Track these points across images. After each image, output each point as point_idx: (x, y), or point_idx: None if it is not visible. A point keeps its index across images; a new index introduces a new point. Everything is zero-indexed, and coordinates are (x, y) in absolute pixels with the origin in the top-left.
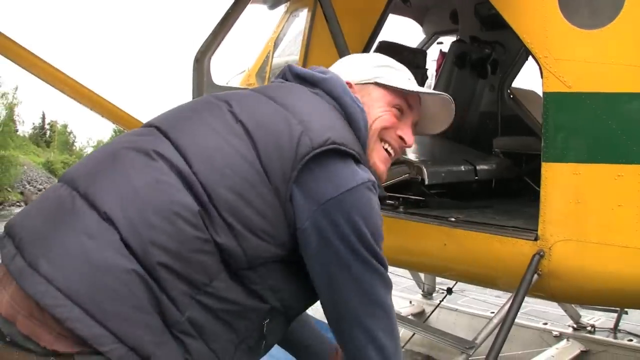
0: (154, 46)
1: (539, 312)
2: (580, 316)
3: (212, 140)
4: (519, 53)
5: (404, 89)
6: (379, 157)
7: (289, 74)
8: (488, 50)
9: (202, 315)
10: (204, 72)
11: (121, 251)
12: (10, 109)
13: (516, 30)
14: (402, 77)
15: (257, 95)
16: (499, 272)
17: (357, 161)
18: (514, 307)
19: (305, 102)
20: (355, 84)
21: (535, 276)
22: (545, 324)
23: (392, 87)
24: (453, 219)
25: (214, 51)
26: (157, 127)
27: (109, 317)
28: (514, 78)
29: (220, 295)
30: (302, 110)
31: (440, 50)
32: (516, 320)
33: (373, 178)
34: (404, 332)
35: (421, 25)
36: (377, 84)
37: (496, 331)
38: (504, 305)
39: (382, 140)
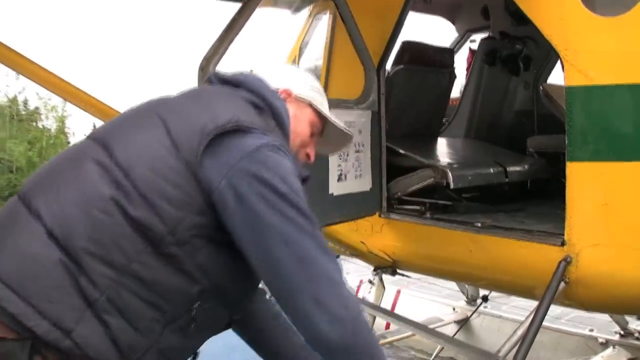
0: (155, 50)
1: (584, 318)
2: (627, 322)
3: (132, 133)
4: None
5: (328, 118)
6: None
7: (214, 79)
8: (519, 46)
9: (122, 295)
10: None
11: (45, 241)
12: (61, 121)
13: (535, 22)
14: (326, 104)
15: (179, 97)
16: (526, 280)
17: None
18: (538, 318)
19: (220, 99)
20: (295, 95)
21: (562, 284)
22: (592, 330)
23: (320, 112)
24: (479, 224)
25: (220, 58)
26: (93, 136)
27: (32, 297)
28: (549, 74)
29: (141, 276)
30: (214, 103)
31: (470, 48)
32: (561, 327)
33: (279, 142)
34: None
35: (453, 23)
36: (310, 105)
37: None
38: (529, 315)
39: (296, 150)
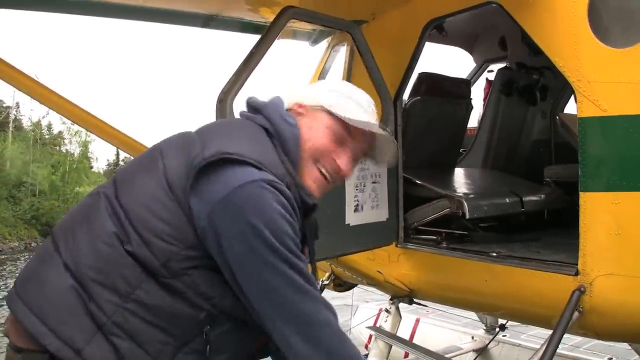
0: (180, 83)
1: (603, 346)
2: None
3: (137, 173)
4: None
5: (346, 120)
6: (310, 176)
7: (246, 105)
8: (536, 76)
9: (128, 319)
10: (227, 113)
11: (61, 271)
12: (84, 146)
13: (547, 53)
14: (355, 109)
15: (189, 135)
16: (541, 309)
17: (260, 170)
18: (551, 347)
19: (228, 129)
20: (308, 105)
21: (576, 313)
22: (610, 359)
23: (336, 115)
24: (494, 254)
25: (238, 91)
26: (114, 177)
27: (48, 318)
28: (566, 103)
29: (144, 302)
30: (213, 137)
31: (487, 78)
32: (580, 355)
33: (271, 178)
34: None
35: (471, 53)
36: (324, 109)
37: None
38: (542, 345)
39: (316, 161)
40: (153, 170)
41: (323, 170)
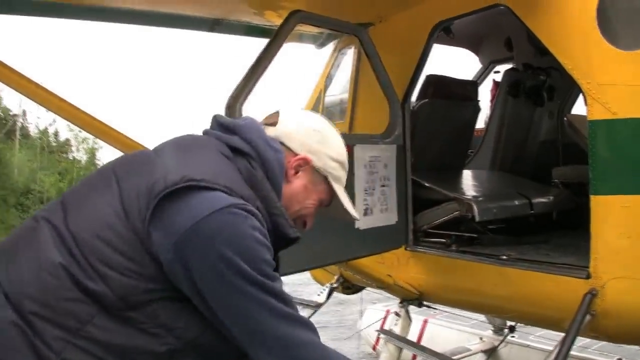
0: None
1: (612, 347)
2: None
3: (88, 196)
4: None
5: (340, 199)
6: None
7: (215, 123)
8: (543, 77)
9: (81, 357)
10: (237, 118)
11: (2, 303)
12: (92, 153)
13: (556, 55)
14: (343, 178)
15: (145, 154)
16: (552, 312)
17: (229, 194)
18: (564, 351)
19: (192, 151)
20: (315, 167)
21: (588, 316)
22: (621, 358)
23: (335, 193)
24: (504, 257)
25: (247, 96)
26: (62, 199)
27: None
28: (574, 103)
29: (97, 339)
30: (175, 159)
31: (494, 80)
32: (589, 356)
33: (242, 201)
34: None
35: (477, 55)
36: (326, 179)
37: None
38: (554, 349)
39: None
40: (107, 194)
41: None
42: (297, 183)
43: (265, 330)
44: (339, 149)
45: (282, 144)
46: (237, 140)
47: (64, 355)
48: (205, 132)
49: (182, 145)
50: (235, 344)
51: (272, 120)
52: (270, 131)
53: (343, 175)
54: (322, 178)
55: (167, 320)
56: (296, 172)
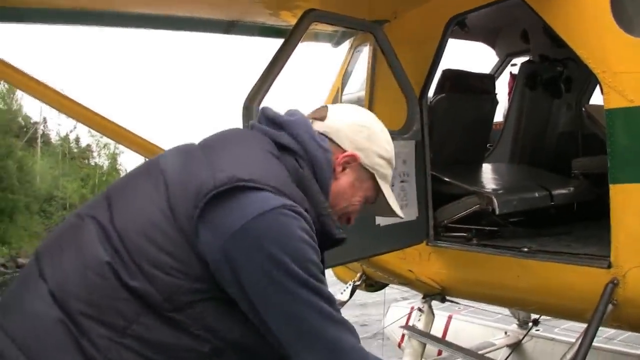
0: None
1: (638, 338)
2: None
3: (134, 193)
4: None
5: (387, 197)
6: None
7: (262, 117)
8: (560, 68)
9: (124, 355)
10: (254, 118)
11: (48, 301)
12: (113, 158)
13: (571, 45)
14: (390, 175)
15: (192, 151)
16: (574, 303)
17: (277, 195)
18: (587, 341)
19: (239, 147)
20: (362, 163)
21: (610, 306)
22: None
23: (381, 189)
24: (526, 249)
25: (264, 95)
26: (106, 194)
27: (35, 356)
28: (592, 94)
29: (143, 338)
30: (223, 157)
31: (511, 72)
32: (615, 347)
33: (290, 202)
34: None
35: (493, 48)
36: (373, 177)
37: None
38: (577, 339)
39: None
40: (153, 191)
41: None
42: (345, 180)
43: (313, 332)
44: (387, 145)
45: (329, 139)
46: (285, 137)
47: (109, 354)
48: (252, 126)
49: (230, 141)
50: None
51: (320, 114)
52: (318, 126)
53: (389, 172)
54: (369, 175)
55: (211, 321)
56: (344, 169)
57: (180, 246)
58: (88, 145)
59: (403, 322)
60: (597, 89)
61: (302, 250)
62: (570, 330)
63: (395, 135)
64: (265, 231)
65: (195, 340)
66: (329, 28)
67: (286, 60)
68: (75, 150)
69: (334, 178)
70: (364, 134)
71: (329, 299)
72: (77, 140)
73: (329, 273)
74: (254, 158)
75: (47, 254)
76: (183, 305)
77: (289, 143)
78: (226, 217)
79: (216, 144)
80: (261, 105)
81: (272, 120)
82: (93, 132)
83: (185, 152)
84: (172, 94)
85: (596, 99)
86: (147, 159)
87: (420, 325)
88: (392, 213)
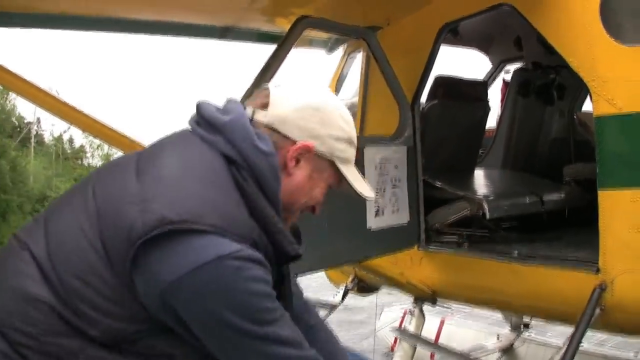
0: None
1: (629, 343)
2: None
3: (68, 225)
4: None
5: (350, 183)
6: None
7: (199, 117)
8: (552, 76)
9: None
10: None
11: None
12: (107, 159)
13: (561, 53)
14: (352, 154)
15: (125, 170)
16: (564, 307)
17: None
18: (573, 345)
19: (173, 170)
20: (318, 152)
21: (598, 310)
22: (637, 354)
23: (343, 174)
24: (516, 254)
25: None
26: (45, 216)
27: None
28: (584, 101)
29: None
30: (155, 184)
31: (504, 79)
32: (605, 351)
33: (234, 247)
34: None
35: (487, 55)
36: (333, 164)
37: None
38: (565, 343)
39: (293, 205)
40: (87, 225)
41: (296, 213)
42: (300, 175)
43: None
44: (345, 125)
45: (275, 130)
46: (222, 144)
47: None
48: (192, 129)
49: (169, 157)
50: None
51: (262, 101)
52: (260, 116)
53: (352, 153)
54: (328, 163)
55: (164, 348)
56: (297, 162)
57: (119, 292)
58: (82, 146)
59: (396, 325)
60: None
61: (250, 302)
62: (563, 335)
63: (387, 140)
64: (205, 286)
65: None
66: (323, 34)
67: (279, 66)
68: (68, 150)
69: (287, 174)
70: (315, 118)
71: (284, 339)
72: (70, 140)
73: (321, 276)
74: (192, 182)
75: None
76: (131, 341)
77: (227, 151)
78: (158, 266)
79: (151, 162)
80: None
81: (208, 122)
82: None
83: (120, 172)
84: (166, 98)
85: (588, 106)
86: None
87: (411, 328)
88: (359, 195)
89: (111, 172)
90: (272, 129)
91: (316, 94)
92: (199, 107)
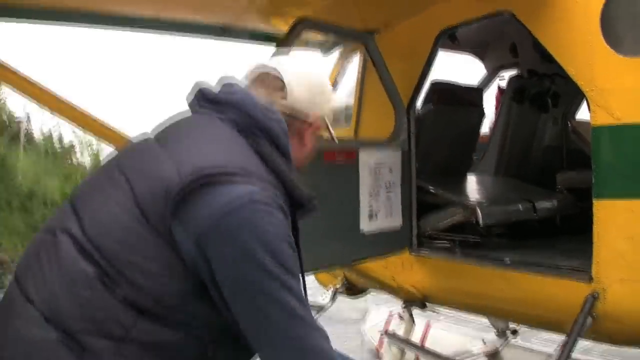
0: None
1: (615, 351)
2: None
3: (100, 200)
4: None
5: (334, 137)
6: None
7: (201, 97)
8: (547, 83)
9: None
10: None
11: (40, 324)
12: (96, 157)
13: (560, 62)
14: (331, 108)
15: (149, 146)
16: (555, 315)
17: (246, 182)
18: (565, 354)
19: (195, 136)
20: (315, 120)
21: (590, 319)
22: None
23: (330, 130)
24: (508, 261)
25: None
26: (71, 203)
27: None
28: (578, 109)
29: (142, 342)
30: (182, 148)
31: (499, 86)
32: (592, 359)
33: (261, 193)
34: None
35: (482, 61)
36: (325, 125)
37: None
38: (555, 351)
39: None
40: (120, 196)
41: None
42: (310, 142)
43: (282, 331)
44: (331, 88)
45: (293, 112)
46: (236, 116)
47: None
48: (200, 109)
49: (186, 129)
50: None
51: (275, 85)
52: (280, 102)
53: (331, 104)
54: (323, 125)
55: (203, 314)
56: (311, 134)
57: (159, 249)
58: (71, 143)
59: (382, 326)
60: (584, 104)
61: (275, 244)
62: (548, 341)
63: (382, 144)
64: (238, 226)
65: (191, 334)
66: (319, 36)
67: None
68: (58, 148)
69: (303, 145)
70: (321, 94)
71: (299, 297)
72: (60, 138)
73: (310, 278)
74: (217, 144)
75: (27, 276)
76: (173, 306)
77: (241, 120)
78: (196, 212)
79: (172, 134)
80: None
81: (213, 101)
82: (77, 130)
83: (141, 149)
84: (163, 96)
85: (582, 114)
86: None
87: (400, 332)
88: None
89: (132, 151)
90: (289, 112)
91: (317, 68)
92: (201, 90)
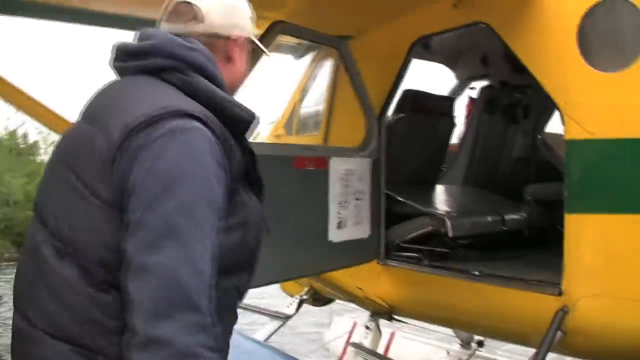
0: None
1: None
2: None
3: (57, 201)
4: None
5: (261, 48)
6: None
7: (122, 53)
8: (518, 95)
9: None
10: None
11: (51, 343)
12: None
13: (535, 75)
14: (252, 20)
15: (82, 133)
16: (524, 328)
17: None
18: None
19: (129, 99)
20: (245, 37)
21: (560, 333)
22: None
23: (255, 42)
24: (477, 273)
25: None
26: (35, 211)
27: None
28: (547, 121)
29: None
30: (113, 112)
31: (470, 96)
32: None
33: (206, 130)
34: None
35: (453, 70)
36: (249, 39)
37: None
38: None
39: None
40: (69, 188)
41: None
42: (240, 60)
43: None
44: (248, 4)
45: (213, 35)
46: (159, 62)
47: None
48: (124, 64)
49: (114, 94)
50: None
51: (191, 15)
52: (194, 27)
53: (252, 16)
54: (248, 40)
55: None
56: (236, 52)
57: (104, 213)
58: (36, 142)
59: (346, 335)
60: (553, 117)
61: (205, 176)
62: (512, 352)
63: (352, 152)
64: (171, 144)
65: None
66: (293, 40)
67: (251, 70)
68: (22, 146)
69: (232, 65)
70: (236, 11)
71: (207, 220)
72: (25, 136)
73: (275, 287)
74: (146, 95)
75: (24, 301)
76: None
77: (166, 64)
78: (137, 141)
79: (101, 108)
80: None
81: (134, 53)
82: (41, 129)
83: (71, 134)
84: None
85: (552, 126)
86: None
87: (366, 343)
88: (265, 53)
89: (64, 139)
90: (210, 35)
91: None
92: (119, 47)
